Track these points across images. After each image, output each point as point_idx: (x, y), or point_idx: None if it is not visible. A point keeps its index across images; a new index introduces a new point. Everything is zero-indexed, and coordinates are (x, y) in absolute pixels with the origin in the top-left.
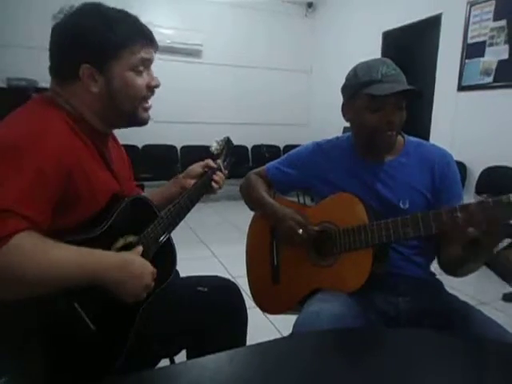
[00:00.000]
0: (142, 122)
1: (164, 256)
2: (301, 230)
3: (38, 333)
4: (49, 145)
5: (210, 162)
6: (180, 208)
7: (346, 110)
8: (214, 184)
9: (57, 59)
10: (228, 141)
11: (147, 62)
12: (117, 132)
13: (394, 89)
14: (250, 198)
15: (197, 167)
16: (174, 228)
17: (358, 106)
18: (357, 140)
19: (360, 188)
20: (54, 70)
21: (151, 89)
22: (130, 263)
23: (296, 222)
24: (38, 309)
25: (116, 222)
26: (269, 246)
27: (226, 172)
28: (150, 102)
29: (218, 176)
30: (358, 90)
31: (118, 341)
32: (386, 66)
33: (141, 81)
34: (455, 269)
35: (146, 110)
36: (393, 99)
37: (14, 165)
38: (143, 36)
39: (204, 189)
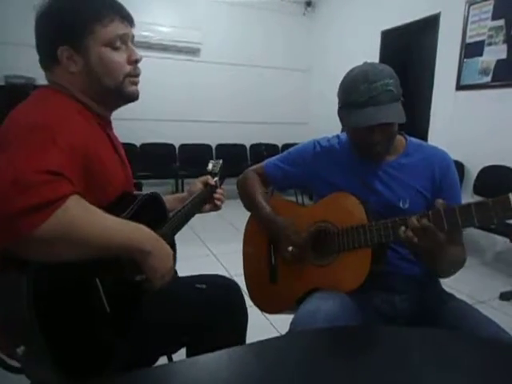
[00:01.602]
0: (130, 97)
1: None
2: (291, 248)
3: (57, 304)
4: (70, 126)
5: (209, 178)
6: (185, 213)
7: (340, 117)
8: (217, 202)
9: (39, 49)
10: (221, 164)
11: (124, 37)
12: (116, 130)
13: (365, 122)
14: (245, 197)
15: (198, 183)
16: (178, 231)
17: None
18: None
19: (360, 187)
20: (41, 62)
21: (133, 63)
22: (160, 239)
23: (287, 238)
24: (64, 281)
25: (136, 214)
26: (266, 245)
27: (222, 190)
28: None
29: (219, 194)
30: (342, 107)
31: (123, 330)
32: (366, 83)
33: (119, 56)
34: (436, 270)
35: (134, 83)
36: (375, 126)
37: (48, 139)
38: (114, 9)
39: (203, 202)
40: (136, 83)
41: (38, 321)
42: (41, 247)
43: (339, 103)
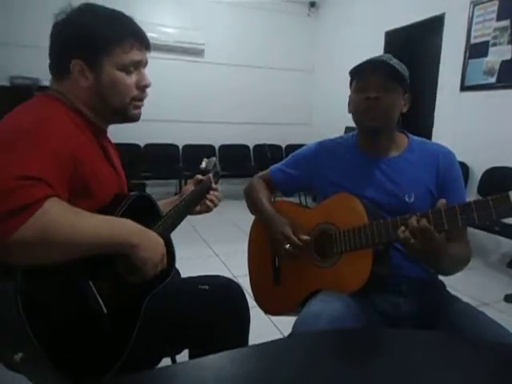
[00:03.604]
0: (132, 119)
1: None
2: (288, 245)
3: (53, 310)
4: (58, 131)
5: (198, 176)
6: (179, 211)
7: (349, 100)
8: (208, 203)
9: (51, 56)
10: (216, 161)
11: (138, 64)
12: (119, 130)
13: (366, 61)
14: (250, 201)
15: (189, 186)
16: (172, 230)
17: (351, 90)
18: (358, 131)
19: (365, 184)
20: (50, 67)
21: (141, 88)
22: (147, 230)
23: (284, 236)
24: (54, 285)
25: (125, 215)
26: (270, 247)
27: (217, 187)
28: (146, 101)
29: (213, 195)
30: (351, 76)
31: (124, 333)
32: (381, 55)
33: (130, 80)
34: (437, 269)
35: (138, 107)
36: (374, 77)
37: (32, 145)
38: (135, 35)
39: (197, 200)
40: (140, 107)
41: (30, 326)
42: (21, 251)
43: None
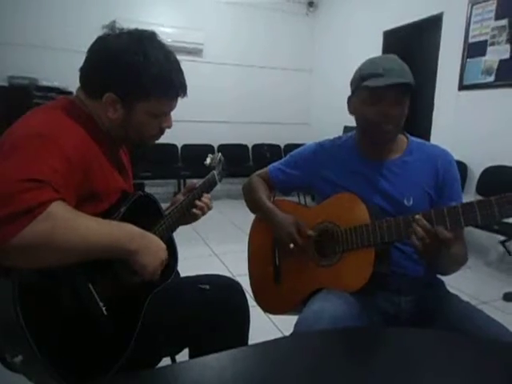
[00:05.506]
0: (144, 146)
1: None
2: (292, 245)
3: (52, 313)
4: (71, 137)
5: (188, 186)
6: (182, 211)
7: (351, 103)
8: (196, 211)
9: (87, 74)
10: (221, 157)
11: (168, 112)
12: None
13: (387, 81)
14: (250, 200)
15: (180, 196)
16: (174, 230)
17: (360, 99)
18: (359, 134)
19: (364, 186)
20: (82, 81)
21: (163, 130)
22: (147, 235)
23: (288, 234)
24: (53, 287)
25: (126, 216)
26: (271, 245)
27: (207, 198)
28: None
29: (203, 202)
30: (360, 83)
31: (125, 334)
32: (389, 61)
33: (155, 123)
34: (438, 268)
35: (153, 140)
36: (391, 93)
37: (43, 148)
38: (178, 91)
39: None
40: (155, 140)
41: (29, 329)
42: (21, 254)
43: (352, 87)
